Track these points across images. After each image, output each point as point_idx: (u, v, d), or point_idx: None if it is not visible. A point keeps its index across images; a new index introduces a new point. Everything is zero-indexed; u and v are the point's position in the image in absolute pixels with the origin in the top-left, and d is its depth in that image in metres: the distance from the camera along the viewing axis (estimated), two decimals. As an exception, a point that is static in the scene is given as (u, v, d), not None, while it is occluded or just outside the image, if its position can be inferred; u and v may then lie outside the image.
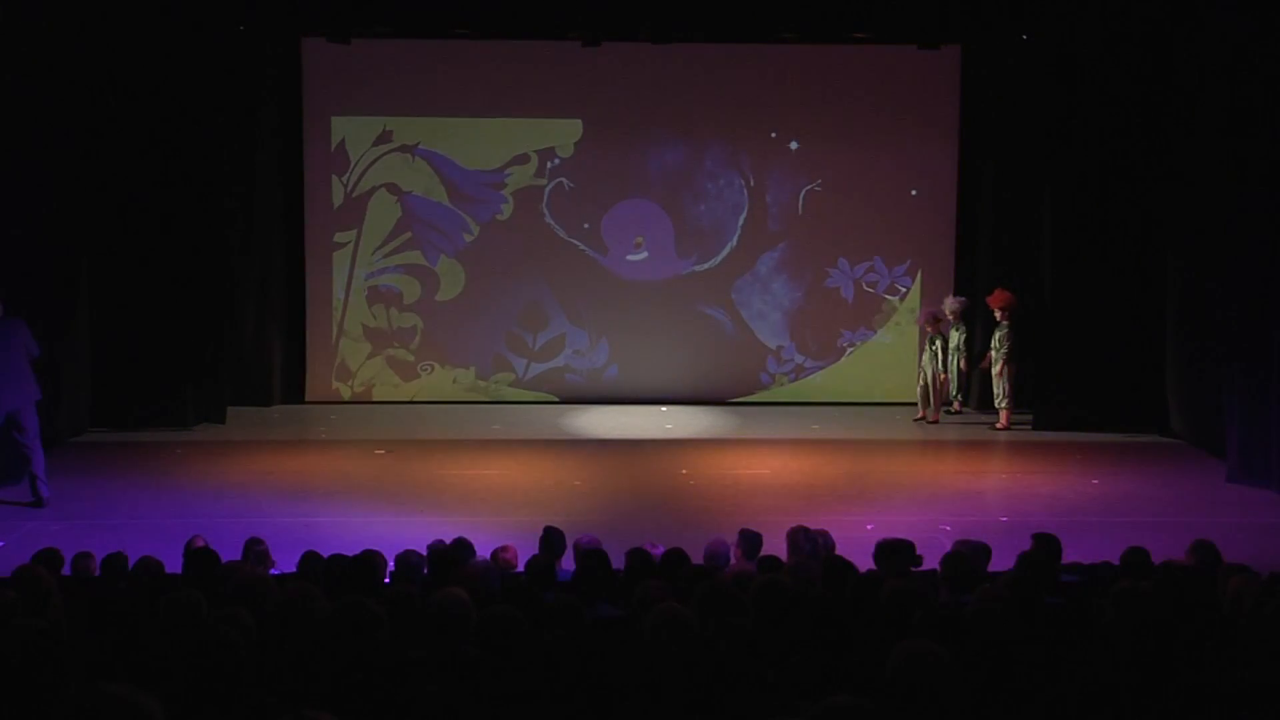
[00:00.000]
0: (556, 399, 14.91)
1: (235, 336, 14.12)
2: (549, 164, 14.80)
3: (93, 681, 3.21)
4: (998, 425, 13.67)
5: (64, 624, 5.51)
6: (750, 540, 7.60)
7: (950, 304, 14.07)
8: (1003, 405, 13.64)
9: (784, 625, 5.18)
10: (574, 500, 10.89)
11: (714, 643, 4.41)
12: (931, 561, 6.90)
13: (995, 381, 13.68)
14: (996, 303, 13.67)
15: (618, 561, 6.91)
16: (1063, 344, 13.58)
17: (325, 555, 6.94)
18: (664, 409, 14.60)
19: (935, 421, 13.88)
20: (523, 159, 14.79)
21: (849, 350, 15.04)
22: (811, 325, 15.00)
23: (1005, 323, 13.58)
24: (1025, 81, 13.94)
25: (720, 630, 4.47)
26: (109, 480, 11.43)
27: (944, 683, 4.00)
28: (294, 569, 7.08)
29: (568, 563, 7.49)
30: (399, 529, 9.29)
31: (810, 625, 5.23)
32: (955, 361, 13.95)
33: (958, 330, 13.91)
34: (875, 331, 15.02)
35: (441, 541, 7.50)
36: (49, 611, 5.65)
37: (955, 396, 14.28)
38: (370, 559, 6.69)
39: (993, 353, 13.69)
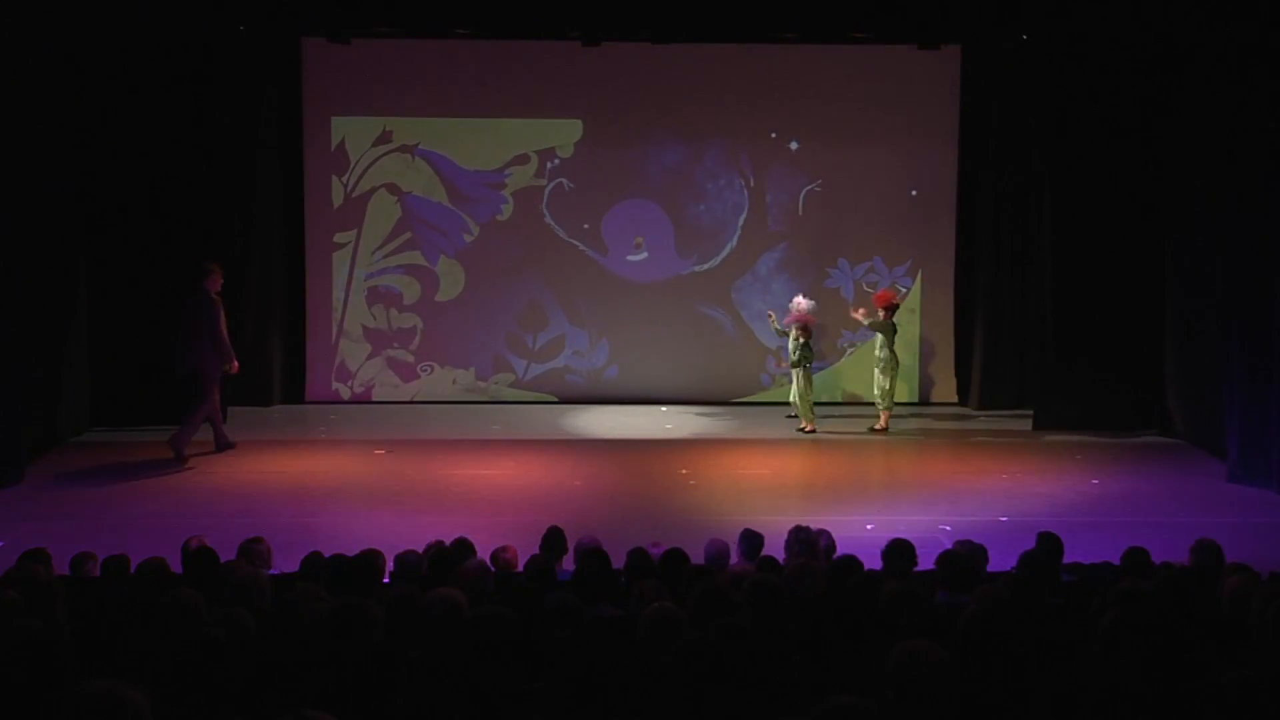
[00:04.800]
0: (556, 399, 14.90)
1: (235, 336, 14.07)
2: (549, 164, 14.79)
3: (80, 679, 3.20)
4: (877, 426, 13.50)
5: (64, 624, 5.51)
6: (751, 540, 7.60)
7: (802, 305, 13.67)
8: (885, 406, 13.51)
9: (781, 625, 5.18)
10: (574, 500, 10.88)
11: (710, 643, 4.40)
12: (931, 562, 6.90)
13: (878, 382, 13.50)
14: (881, 302, 13.60)
15: (618, 561, 6.91)
16: (1063, 344, 13.59)
17: (326, 555, 6.94)
18: (664, 409, 14.59)
19: (813, 430, 13.46)
20: (523, 159, 14.78)
21: (849, 351, 15.04)
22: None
23: (889, 321, 13.50)
24: (1025, 81, 13.95)
25: (718, 630, 4.46)
26: (109, 480, 11.43)
27: (944, 683, 4.00)
28: (294, 569, 7.08)
29: (568, 562, 7.49)
30: (399, 529, 9.29)
31: (808, 625, 5.23)
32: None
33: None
34: (876, 332, 14.96)
35: (441, 541, 7.50)
36: (48, 611, 5.64)
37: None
38: (370, 559, 6.69)
39: (880, 351, 13.52)
